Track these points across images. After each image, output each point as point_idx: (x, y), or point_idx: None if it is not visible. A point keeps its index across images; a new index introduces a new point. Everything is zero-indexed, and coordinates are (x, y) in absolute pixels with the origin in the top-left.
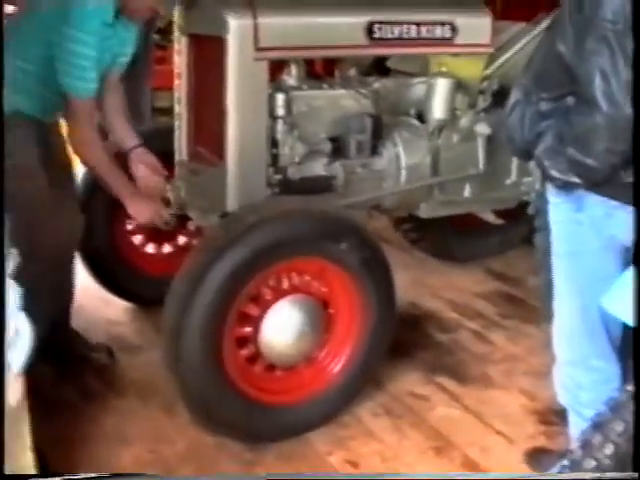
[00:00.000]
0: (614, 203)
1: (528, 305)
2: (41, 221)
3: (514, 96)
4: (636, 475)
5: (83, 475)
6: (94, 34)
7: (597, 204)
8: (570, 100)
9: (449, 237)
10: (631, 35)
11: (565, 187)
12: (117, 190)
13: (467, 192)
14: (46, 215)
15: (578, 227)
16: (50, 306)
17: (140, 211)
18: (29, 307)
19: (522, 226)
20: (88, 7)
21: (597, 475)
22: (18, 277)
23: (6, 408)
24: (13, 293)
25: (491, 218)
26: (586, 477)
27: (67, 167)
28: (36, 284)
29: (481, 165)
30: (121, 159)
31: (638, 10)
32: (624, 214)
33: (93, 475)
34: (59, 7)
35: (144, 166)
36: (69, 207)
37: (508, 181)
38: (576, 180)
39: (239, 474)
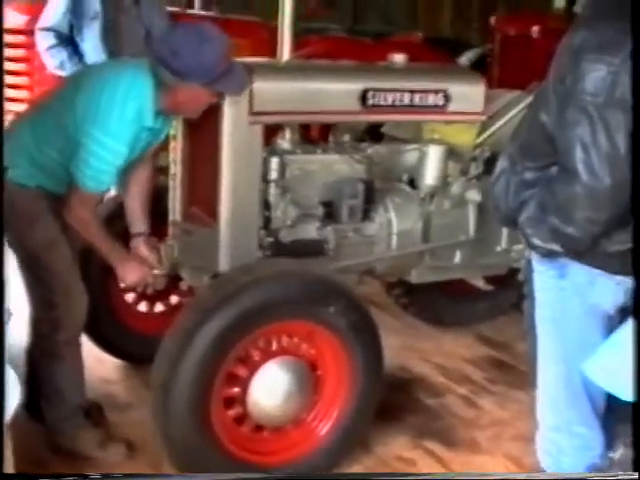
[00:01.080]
0: (597, 271)
1: (517, 370)
2: (67, 289)
3: (500, 165)
4: (636, 475)
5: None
6: (129, 145)
7: (580, 272)
8: (554, 170)
9: (439, 302)
10: (613, 108)
11: (548, 255)
12: (106, 254)
13: (458, 258)
14: (72, 283)
15: (561, 294)
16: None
17: (128, 274)
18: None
19: (512, 292)
20: (128, 117)
21: (597, 475)
22: (45, 344)
23: None
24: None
25: (481, 284)
26: (586, 477)
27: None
28: (62, 351)
29: (472, 232)
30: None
31: (638, 10)
32: (607, 282)
33: (93, 475)
34: (92, 109)
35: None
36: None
37: (498, 248)
38: (558, 248)
39: (239, 474)
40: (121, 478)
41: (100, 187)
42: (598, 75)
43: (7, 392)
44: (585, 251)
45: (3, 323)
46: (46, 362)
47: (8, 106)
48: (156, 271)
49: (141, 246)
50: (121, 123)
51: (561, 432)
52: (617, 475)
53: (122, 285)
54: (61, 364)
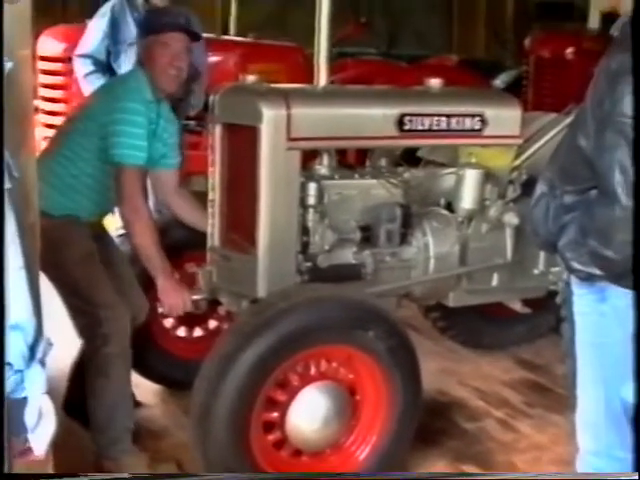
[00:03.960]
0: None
1: (555, 393)
2: (110, 302)
3: (539, 189)
4: (636, 475)
5: (84, 475)
6: (141, 103)
7: (620, 295)
8: (593, 193)
9: (477, 325)
10: None
11: (587, 279)
12: (154, 270)
13: (495, 281)
14: (113, 296)
15: (602, 318)
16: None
17: (169, 300)
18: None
19: (550, 315)
20: (131, 84)
21: (597, 475)
22: (98, 360)
23: None
24: (39, 377)
25: (519, 307)
26: (586, 477)
27: (118, 254)
28: (114, 366)
29: (509, 255)
30: None
31: (638, 10)
32: None
33: (94, 476)
34: (106, 102)
35: None
36: (131, 291)
37: (536, 271)
38: (597, 272)
39: (244, 474)
40: (121, 478)
41: (140, 155)
42: (636, 97)
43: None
44: (624, 274)
45: (3, 321)
46: (99, 382)
47: (46, 132)
48: (195, 297)
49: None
50: (126, 88)
51: (601, 456)
52: (617, 475)
53: (161, 310)
54: (112, 382)
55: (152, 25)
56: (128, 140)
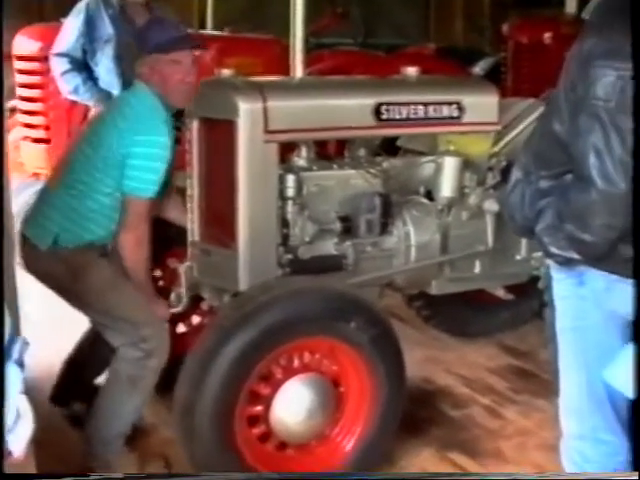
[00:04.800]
0: (614, 277)
1: (540, 379)
2: (149, 319)
3: (514, 175)
4: (636, 475)
5: (84, 475)
6: (168, 134)
7: (598, 278)
8: (569, 177)
9: (461, 313)
10: (624, 113)
11: (566, 263)
12: (143, 286)
13: (477, 268)
14: (149, 313)
15: (581, 302)
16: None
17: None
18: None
19: (533, 300)
20: (151, 110)
21: (597, 475)
22: (135, 370)
23: None
24: (15, 377)
25: (502, 293)
26: (586, 477)
27: None
28: (148, 379)
29: (490, 242)
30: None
31: (638, 11)
32: (625, 287)
33: (95, 475)
34: (126, 123)
35: None
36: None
37: (518, 257)
38: (575, 256)
39: (242, 474)
40: (121, 478)
41: (152, 191)
42: (608, 81)
43: (22, 421)
44: (603, 257)
45: (3, 321)
46: (126, 390)
47: (24, 132)
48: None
49: None
50: (155, 119)
51: (586, 440)
52: (617, 475)
53: None
54: (140, 393)
55: (158, 43)
56: (148, 175)
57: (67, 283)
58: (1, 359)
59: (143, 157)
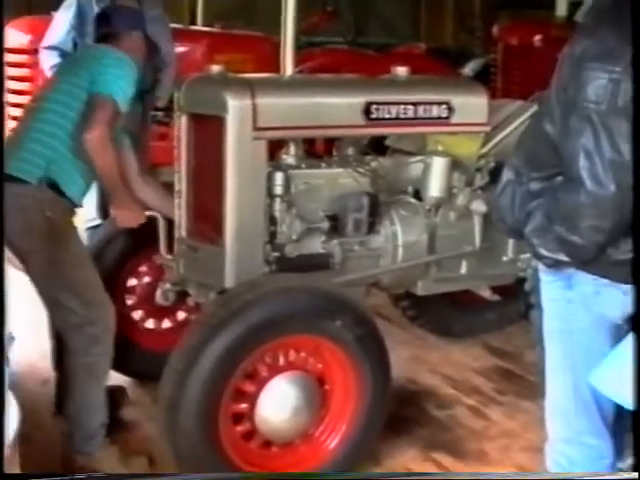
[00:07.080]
0: (603, 281)
1: (525, 380)
2: (103, 303)
3: (505, 176)
4: (636, 475)
5: (84, 475)
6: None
7: (586, 281)
8: (560, 179)
9: (447, 313)
10: (615, 115)
11: (554, 265)
12: (112, 196)
13: (464, 269)
14: (106, 298)
15: (569, 305)
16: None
17: (124, 212)
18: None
19: (519, 302)
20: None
21: (597, 475)
22: (85, 359)
23: None
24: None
25: (488, 294)
26: (586, 477)
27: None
28: (100, 365)
29: (477, 242)
30: None
31: (638, 11)
32: (613, 291)
33: (94, 475)
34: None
35: None
36: None
37: (505, 258)
38: (564, 258)
39: (239, 474)
40: (120, 478)
41: (119, 94)
42: (600, 83)
43: (7, 416)
44: (591, 260)
45: (4, 321)
46: (84, 380)
47: (12, 124)
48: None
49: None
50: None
51: (571, 443)
52: (617, 475)
53: (129, 302)
54: (98, 380)
55: (137, 22)
56: (118, 80)
57: (43, 243)
58: (1, 359)
59: (113, 66)
